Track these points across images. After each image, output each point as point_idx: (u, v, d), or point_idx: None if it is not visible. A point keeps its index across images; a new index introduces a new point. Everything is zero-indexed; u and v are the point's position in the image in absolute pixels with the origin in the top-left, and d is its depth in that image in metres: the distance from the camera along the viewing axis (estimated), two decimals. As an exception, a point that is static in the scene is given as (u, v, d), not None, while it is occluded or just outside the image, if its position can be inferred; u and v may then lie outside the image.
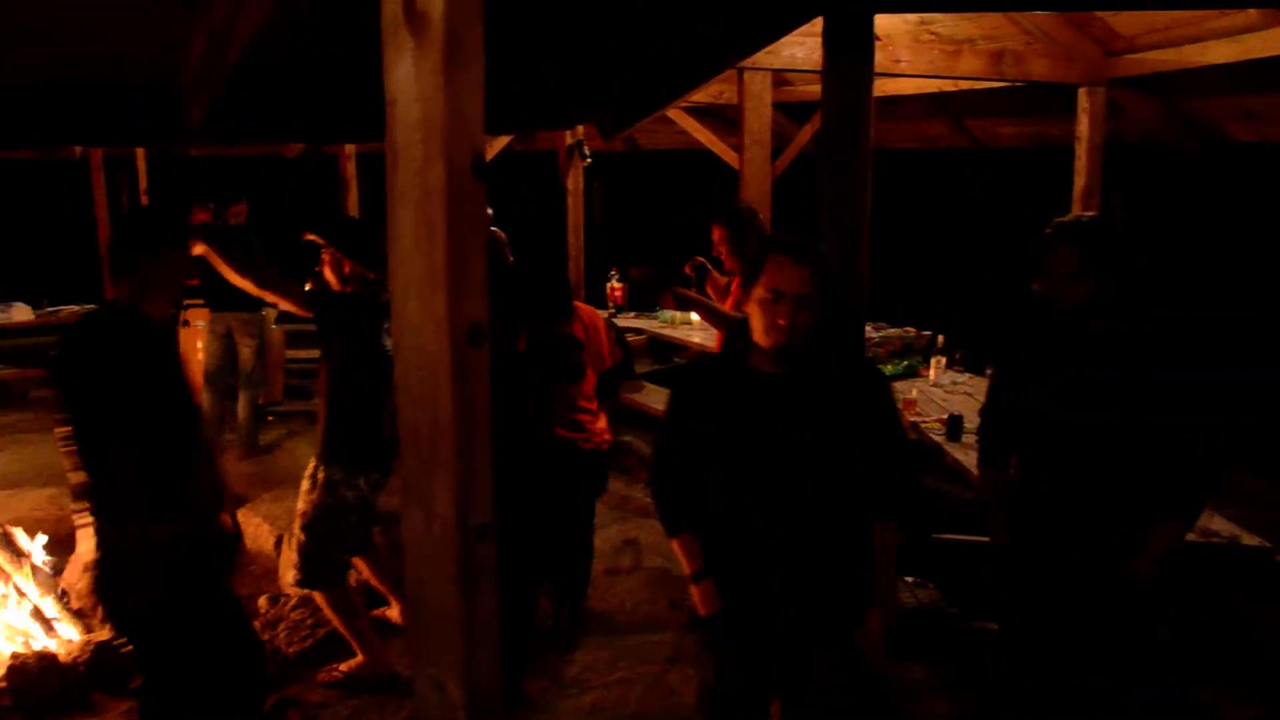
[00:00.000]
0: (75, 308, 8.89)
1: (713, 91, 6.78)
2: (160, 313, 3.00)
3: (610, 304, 8.37)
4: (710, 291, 5.13)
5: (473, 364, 1.34)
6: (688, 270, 5.24)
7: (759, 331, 2.51)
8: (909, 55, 5.48)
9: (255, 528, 5.53)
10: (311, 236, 3.96)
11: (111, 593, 3.06)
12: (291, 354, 8.48)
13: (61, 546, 4.95)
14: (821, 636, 2.68)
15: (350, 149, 8.91)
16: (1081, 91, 5.84)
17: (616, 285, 8.52)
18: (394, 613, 4.48)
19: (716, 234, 4.72)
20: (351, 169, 8.96)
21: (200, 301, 7.24)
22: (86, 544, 3.02)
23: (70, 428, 2.92)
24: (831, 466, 2.55)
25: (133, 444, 2.90)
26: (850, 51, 3.45)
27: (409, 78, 1.34)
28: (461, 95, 1.31)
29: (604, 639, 4.44)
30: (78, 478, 2.95)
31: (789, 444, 2.54)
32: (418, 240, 1.36)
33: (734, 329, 2.73)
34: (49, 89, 3.78)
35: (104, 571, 3.00)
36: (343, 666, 4.09)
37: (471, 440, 1.36)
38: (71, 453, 2.92)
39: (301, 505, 3.99)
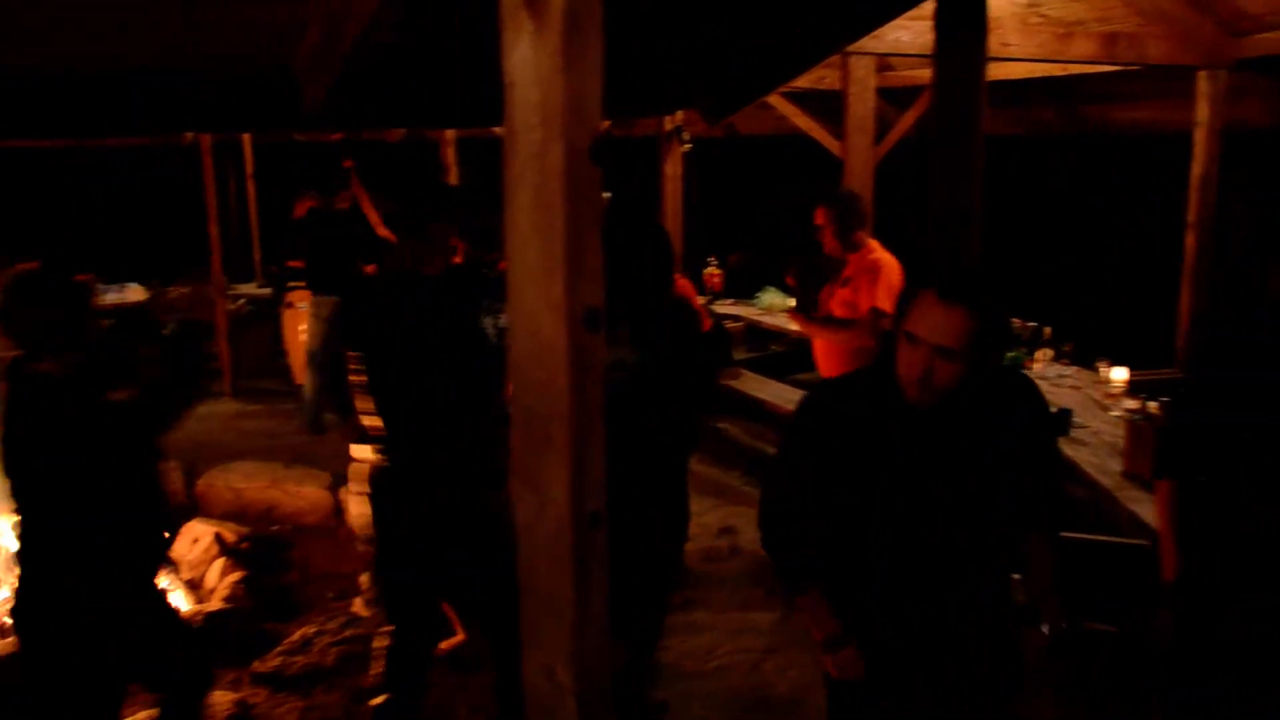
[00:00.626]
0: (185, 288, 9.16)
1: (814, 76, 6.67)
2: (435, 271, 3.31)
3: (708, 290, 8.32)
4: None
5: (589, 349, 1.33)
6: (790, 281, 5.20)
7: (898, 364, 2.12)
8: (1018, 39, 5.36)
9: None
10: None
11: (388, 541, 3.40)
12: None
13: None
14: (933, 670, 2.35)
15: (450, 134, 8.98)
16: (1201, 75, 5.61)
17: (715, 271, 8.46)
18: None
19: (820, 217, 4.65)
20: (451, 154, 9.05)
21: (303, 284, 7.44)
22: (360, 479, 3.38)
23: (365, 378, 3.24)
24: (974, 504, 2.19)
25: (423, 386, 3.19)
26: (962, 34, 3.36)
27: (527, 60, 1.33)
28: (581, 77, 1.30)
29: (700, 624, 4.43)
30: (371, 421, 3.26)
31: (932, 484, 2.18)
32: (535, 224, 1.35)
33: (886, 341, 2.26)
34: (168, 76, 3.88)
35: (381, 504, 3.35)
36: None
37: (587, 425, 1.35)
38: (365, 400, 3.25)
39: None
